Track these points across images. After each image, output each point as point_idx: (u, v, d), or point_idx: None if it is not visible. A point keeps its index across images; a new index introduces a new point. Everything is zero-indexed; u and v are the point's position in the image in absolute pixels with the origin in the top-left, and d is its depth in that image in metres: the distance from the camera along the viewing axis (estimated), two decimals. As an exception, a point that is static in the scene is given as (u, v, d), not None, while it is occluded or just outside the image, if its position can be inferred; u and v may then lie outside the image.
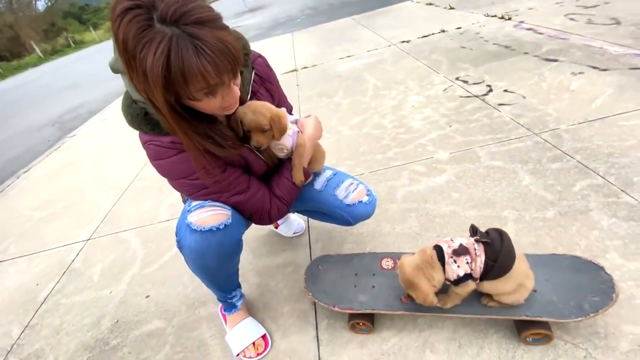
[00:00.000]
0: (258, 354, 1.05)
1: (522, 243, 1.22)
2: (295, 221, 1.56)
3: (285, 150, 0.97)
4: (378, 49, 4.03)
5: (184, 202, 1.05)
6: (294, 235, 1.53)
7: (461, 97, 2.37)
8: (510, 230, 1.28)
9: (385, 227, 1.44)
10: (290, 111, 1.11)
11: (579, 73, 2.26)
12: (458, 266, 0.83)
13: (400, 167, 1.82)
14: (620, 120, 1.71)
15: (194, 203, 0.88)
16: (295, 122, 1.01)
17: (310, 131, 1.00)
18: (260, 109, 0.86)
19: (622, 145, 1.54)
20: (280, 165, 1.01)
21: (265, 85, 0.98)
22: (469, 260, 0.83)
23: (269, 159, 0.98)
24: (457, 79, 2.67)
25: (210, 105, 0.71)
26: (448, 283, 0.87)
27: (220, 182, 0.85)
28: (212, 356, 1.11)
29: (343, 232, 1.47)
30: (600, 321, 0.92)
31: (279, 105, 1.00)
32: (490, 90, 2.35)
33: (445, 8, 5.24)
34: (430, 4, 5.90)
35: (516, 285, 0.85)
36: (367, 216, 1.09)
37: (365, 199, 1.06)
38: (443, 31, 4.00)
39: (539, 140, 1.73)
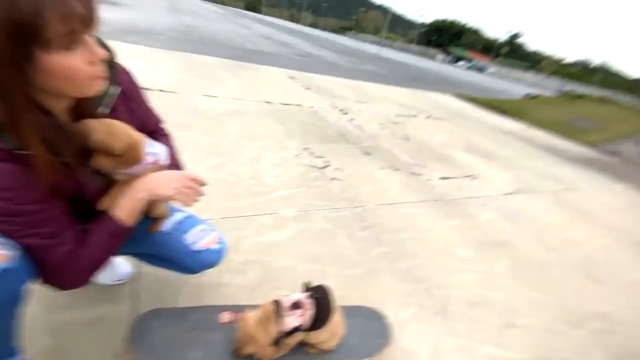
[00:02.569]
0: None
1: (338, 296, 1.54)
2: (119, 265, 1.29)
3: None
4: (244, 100, 4.29)
5: None
6: (116, 283, 1.28)
7: (307, 165, 2.84)
8: (331, 283, 1.59)
9: (226, 278, 1.48)
10: (157, 125, 1.05)
11: (382, 168, 3.17)
12: (292, 319, 0.99)
13: (250, 217, 1.95)
14: (401, 208, 2.50)
15: None
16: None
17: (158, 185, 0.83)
18: (117, 132, 0.74)
19: (401, 226, 2.25)
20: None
21: (127, 103, 0.88)
22: (302, 314, 1.01)
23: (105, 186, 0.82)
24: (305, 149, 3.18)
25: (72, 65, 0.57)
26: (281, 335, 1.01)
27: (30, 214, 0.65)
28: None
29: (178, 282, 1.39)
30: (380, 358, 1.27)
31: (143, 124, 0.93)
32: (328, 166, 2.93)
33: (303, 86, 6.23)
34: (292, 77, 6.87)
35: (332, 334, 1.08)
36: (213, 265, 1.06)
37: (215, 246, 1.04)
38: (299, 105, 4.73)
39: (354, 212, 2.27)
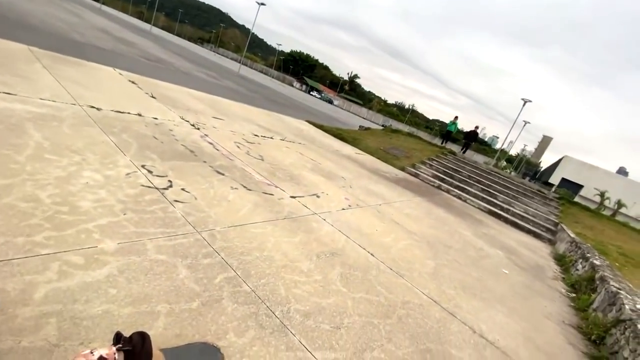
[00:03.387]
0: None
1: (169, 336, 1.35)
2: None
3: None
4: (57, 102, 3.40)
5: None
6: None
7: (142, 185, 2.46)
8: (160, 324, 1.38)
9: (7, 343, 1.08)
10: None
11: (235, 188, 3.11)
12: None
13: (51, 256, 1.50)
14: (252, 228, 2.49)
15: None
16: None
17: None
18: None
19: (250, 246, 2.22)
20: None
21: None
22: None
23: None
24: (143, 166, 2.76)
25: None
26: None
27: None
28: None
29: None
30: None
31: None
32: (171, 186, 2.63)
33: (147, 94, 5.51)
34: (133, 82, 5.98)
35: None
36: None
37: None
38: (140, 115, 4.13)
39: (199, 237, 2.11)
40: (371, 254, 2.90)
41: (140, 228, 1.95)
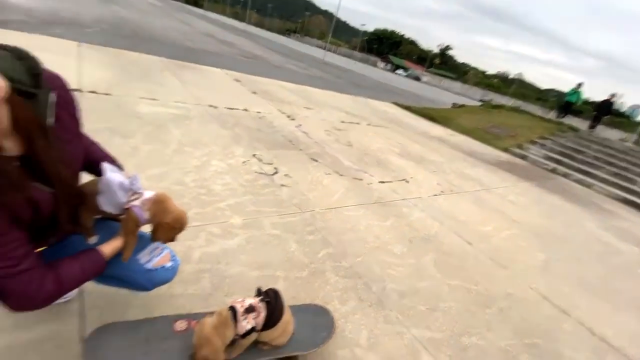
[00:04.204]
0: None
1: (287, 296, 1.64)
2: None
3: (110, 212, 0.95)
4: (186, 103, 4.16)
5: None
6: (61, 301, 1.26)
7: (256, 172, 2.89)
8: (280, 286, 1.69)
9: (177, 289, 1.50)
10: (112, 162, 1.07)
11: (328, 174, 3.36)
12: (247, 322, 1.08)
13: (199, 227, 1.96)
14: (345, 211, 2.70)
15: None
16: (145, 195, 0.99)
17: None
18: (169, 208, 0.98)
19: (345, 227, 2.43)
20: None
21: (68, 109, 0.90)
22: (255, 317, 1.10)
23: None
24: (254, 155, 3.22)
25: None
26: (237, 337, 1.09)
27: None
28: None
29: (127, 296, 1.38)
30: (325, 349, 1.41)
31: (87, 150, 0.99)
32: (277, 172, 3.02)
33: (250, 90, 6.21)
34: (237, 80, 6.79)
35: (282, 331, 1.19)
36: (166, 282, 1.11)
37: (168, 264, 1.09)
38: (246, 110, 4.73)
39: (303, 217, 2.40)
40: (468, 243, 2.81)
41: (258, 207, 2.34)
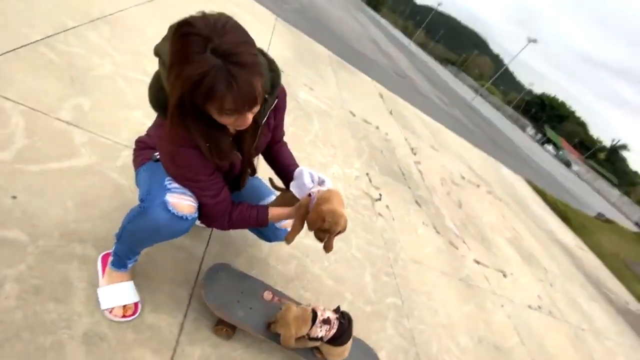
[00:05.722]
0: (124, 316, 1.14)
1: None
2: None
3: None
4: (333, 102, 4.57)
5: (136, 164, 1.16)
6: (199, 225, 1.56)
7: (363, 191, 3.04)
8: (344, 307, 1.79)
9: (272, 261, 1.75)
10: (282, 135, 1.33)
11: (426, 225, 3.28)
12: (320, 330, 1.22)
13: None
14: (428, 272, 2.61)
15: (175, 184, 1.00)
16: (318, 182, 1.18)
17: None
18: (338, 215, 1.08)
19: (421, 289, 2.38)
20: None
21: (277, 113, 1.20)
22: (327, 330, 1.23)
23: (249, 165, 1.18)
24: (367, 174, 3.38)
25: (222, 120, 0.86)
26: (306, 336, 1.24)
27: (203, 182, 1.01)
28: (74, 299, 1.12)
29: (240, 245, 1.69)
30: None
31: (274, 130, 1.23)
32: (380, 199, 3.10)
33: (388, 109, 6.38)
34: (381, 95, 7.04)
35: (340, 353, 1.30)
36: (282, 240, 1.34)
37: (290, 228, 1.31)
38: (377, 128, 4.91)
39: (386, 255, 2.44)
40: (543, 378, 2.42)
41: (352, 224, 2.48)
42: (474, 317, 2.50)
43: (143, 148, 1.18)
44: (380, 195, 3.19)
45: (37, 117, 1.58)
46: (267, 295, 1.42)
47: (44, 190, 1.35)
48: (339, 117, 4.20)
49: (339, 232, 1.10)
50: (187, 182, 1.00)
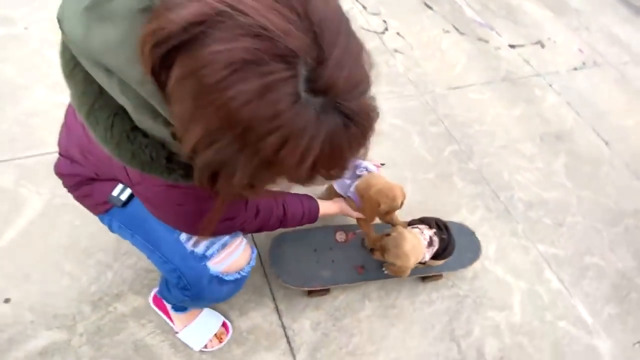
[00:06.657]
0: (221, 341, 1.03)
1: (414, 201, 1.59)
2: None
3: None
4: None
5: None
6: None
7: (362, 28, 2.34)
8: (408, 189, 1.60)
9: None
10: None
11: (447, 31, 2.65)
12: (427, 254, 1.06)
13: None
14: (470, 92, 2.26)
15: (204, 242, 0.67)
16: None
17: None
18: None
19: (470, 116, 2.09)
20: None
21: None
22: (432, 251, 1.07)
23: None
24: (356, 0, 2.53)
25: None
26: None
27: (241, 215, 0.71)
28: (161, 356, 0.99)
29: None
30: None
31: None
32: (386, 29, 2.42)
33: None
34: None
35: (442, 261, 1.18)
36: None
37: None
38: None
39: (422, 100, 2.06)
40: (605, 143, 2.37)
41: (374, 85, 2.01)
42: (528, 117, 2.28)
43: (81, 183, 0.74)
44: (385, 21, 2.47)
45: None
46: (340, 236, 1.23)
47: (29, 268, 1.04)
48: None
49: (402, 203, 1.03)
50: (225, 231, 0.72)
